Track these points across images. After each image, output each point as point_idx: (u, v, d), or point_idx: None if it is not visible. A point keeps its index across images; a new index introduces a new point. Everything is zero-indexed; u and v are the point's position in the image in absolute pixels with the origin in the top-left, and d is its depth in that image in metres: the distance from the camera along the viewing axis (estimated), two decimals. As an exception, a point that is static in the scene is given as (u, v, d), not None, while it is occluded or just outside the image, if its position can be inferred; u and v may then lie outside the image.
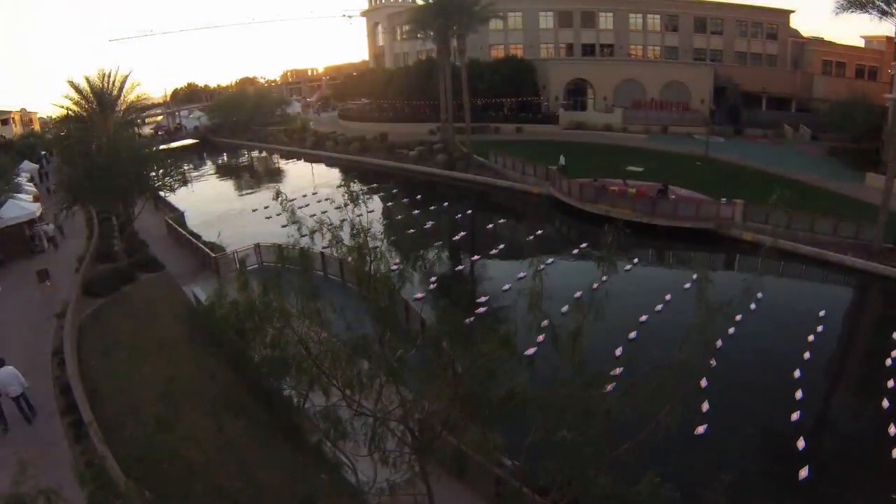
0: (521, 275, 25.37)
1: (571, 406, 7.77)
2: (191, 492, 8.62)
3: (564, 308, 21.17)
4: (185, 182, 34.71)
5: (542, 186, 39.82)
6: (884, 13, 26.26)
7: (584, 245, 29.25)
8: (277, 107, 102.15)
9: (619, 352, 18.05)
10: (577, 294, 22.50)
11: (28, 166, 48.31)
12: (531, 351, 15.70)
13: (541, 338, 17.26)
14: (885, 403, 16.02)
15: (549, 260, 27.32)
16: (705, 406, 15.52)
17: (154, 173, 30.93)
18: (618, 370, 13.17)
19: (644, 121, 55.18)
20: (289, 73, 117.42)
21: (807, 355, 18.36)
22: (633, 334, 19.57)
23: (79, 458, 13.60)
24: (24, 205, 34.01)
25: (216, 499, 8.69)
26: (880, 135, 39.44)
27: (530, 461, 9.34)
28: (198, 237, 30.84)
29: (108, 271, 26.79)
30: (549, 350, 8.52)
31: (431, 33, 50.13)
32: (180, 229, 33.54)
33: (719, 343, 18.35)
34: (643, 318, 20.83)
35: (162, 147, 44.10)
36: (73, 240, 34.08)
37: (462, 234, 32.40)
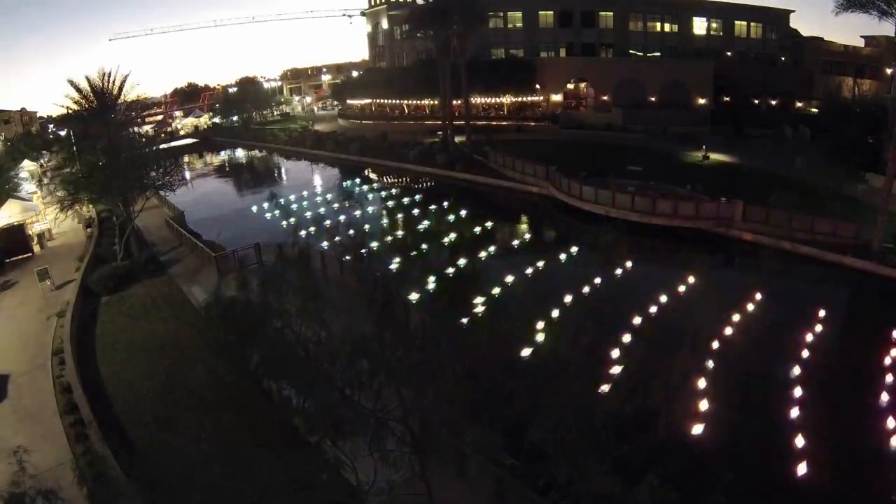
0: (522, 273, 25.38)
1: (572, 406, 7.79)
2: (190, 491, 8.63)
3: (565, 307, 21.27)
4: (184, 182, 34.71)
5: (541, 186, 39.83)
6: (884, 13, 26.24)
7: (583, 244, 29.26)
8: (278, 106, 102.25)
9: (618, 350, 18.06)
10: (577, 293, 22.62)
11: (28, 166, 48.36)
12: (531, 349, 15.74)
13: (540, 336, 17.28)
14: (884, 403, 16.05)
15: (549, 259, 27.32)
16: (704, 405, 15.54)
17: (154, 173, 30.93)
18: (617, 368, 13.21)
19: (644, 120, 55.11)
20: (289, 73, 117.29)
21: (805, 354, 18.37)
22: (632, 333, 19.56)
23: (79, 457, 13.62)
24: (25, 204, 34.05)
25: (216, 498, 8.70)
26: (880, 135, 39.39)
27: (530, 461, 9.36)
28: (198, 236, 30.84)
29: (109, 271, 26.83)
30: (549, 349, 8.53)
31: (431, 33, 50.12)
32: (180, 229, 33.55)
33: (720, 343, 18.37)
34: (643, 316, 20.80)
35: (162, 146, 44.13)
36: (73, 239, 34.09)
37: (462, 233, 32.39)
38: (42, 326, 22.66)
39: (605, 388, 8.67)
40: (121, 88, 32.57)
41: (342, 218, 36.85)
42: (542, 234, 33.92)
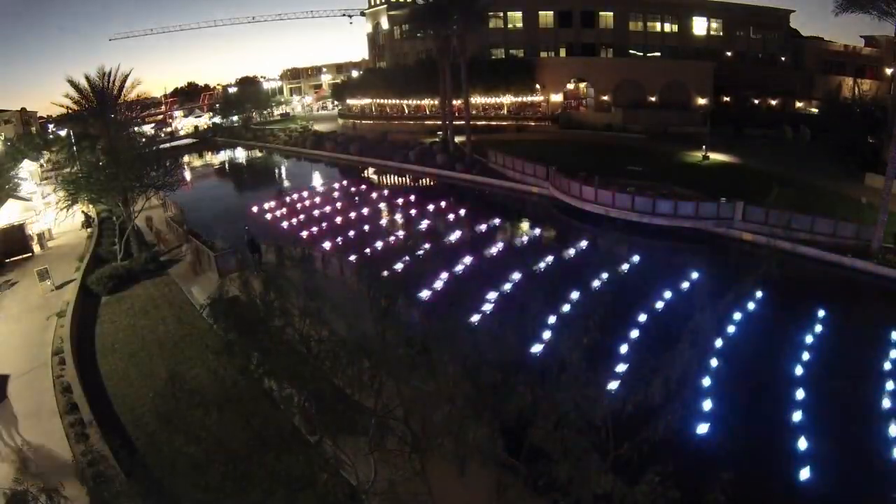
0: (522, 272, 25.39)
1: (573, 405, 7.79)
2: (190, 491, 8.64)
3: (566, 307, 21.27)
4: (184, 182, 34.69)
5: (541, 186, 39.85)
6: (884, 13, 26.23)
7: (583, 244, 29.28)
8: (278, 106, 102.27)
9: (618, 350, 18.08)
10: (578, 292, 22.63)
11: (28, 166, 48.34)
12: (534, 350, 15.75)
13: (541, 336, 17.26)
14: (886, 404, 16.05)
15: (549, 258, 27.34)
16: (706, 405, 15.55)
17: (154, 172, 30.93)
18: (617, 368, 13.22)
19: (644, 120, 55.15)
20: (288, 72, 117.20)
21: (806, 356, 18.38)
22: (633, 333, 19.59)
23: (79, 457, 13.63)
24: (25, 204, 34.06)
25: (216, 498, 8.71)
26: (880, 135, 39.42)
27: (530, 461, 9.34)
28: (198, 236, 30.82)
29: (108, 271, 26.83)
30: (550, 349, 8.53)
31: (431, 32, 50.15)
32: (181, 228, 33.53)
33: (719, 343, 18.37)
34: (643, 317, 20.84)
35: (162, 146, 44.11)
36: (73, 239, 34.08)
37: (462, 233, 32.42)
38: (42, 326, 22.67)
39: (606, 387, 8.67)
40: (121, 88, 32.59)
41: (342, 218, 36.90)
42: (542, 234, 33.93)
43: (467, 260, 27.46)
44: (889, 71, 55.54)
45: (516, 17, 66.99)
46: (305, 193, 43.53)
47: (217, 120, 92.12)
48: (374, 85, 72.85)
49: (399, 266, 25.29)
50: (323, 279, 24.36)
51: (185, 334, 21.44)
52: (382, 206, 40.49)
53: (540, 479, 9.82)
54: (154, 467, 12.67)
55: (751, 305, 21.19)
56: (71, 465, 11.89)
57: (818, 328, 20.10)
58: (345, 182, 49.01)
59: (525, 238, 34.00)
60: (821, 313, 20.94)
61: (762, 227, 28.99)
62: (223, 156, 77.93)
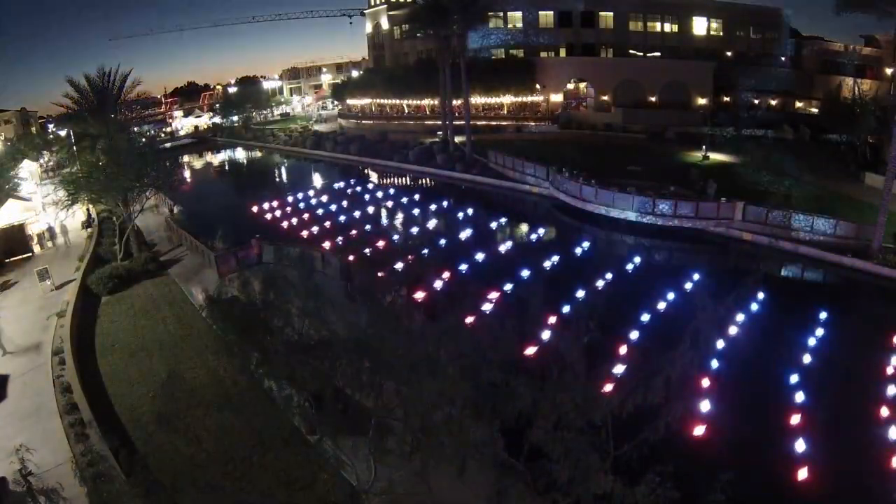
0: (522, 275, 25.38)
1: (572, 405, 7.79)
2: (190, 491, 8.65)
3: (566, 307, 21.26)
4: (183, 182, 34.67)
5: (541, 186, 39.84)
6: (884, 13, 26.16)
7: (583, 244, 29.27)
8: (278, 106, 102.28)
9: (620, 351, 18.08)
10: (578, 292, 22.62)
11: (29, 166, 48.30)
12: (534, 350, 15.76)
13: (541, 335, 17.26)
14: (886, 404, 16.03)
15: (550, 258, 27.32)
16: (706, 406, 15.54)
17: (154, 172, 30.92)
18: (619, 369, 13.21)
19: (644, 120, 55.12)
20: (288, 72, 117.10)
21: (807, 357, 18.36)
22: (634, 334, 19.58)
23: (79, 457, 13.63)
24: (25, 204, 34.04)
25: (216, 498, 8.71)
26: (880, 135, 39.38)
27: (530, 461, 9.35)
28: (197, 236, 30.83)
29: (108, 271, 26.83)
30: (551, 349, 8.53)
31: (431, 32, 50.12)
32: (180, 228, 33.53)
33: (720, 343, 18.36)
34: (643, 317, 20.84)
35: (162, 146, 44.05)
36: (73, 239, 34.05)
37: (462, 233, 32.41)
38: (42, 326, 22.67)
39: (606, 387, 8.67)
40: (121, 87, 32.59)
41: (342, 218, 36.88)
42: (542, 234, 33.93)
43: (467, 260, 27.44)
44: (889, 71, 55.54)
45: (516, 17, 66.91)
46: (305, 193, 43.52)
47: (217, 120, 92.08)
48: (374, 85, 72.79)
49: (399, 266, 25.29)
50: (322, 279, 24.36)
51: (185, 334, 21.44)
52: (382, 206, 40.49)
53: (540, 479, 9.83)
54: (154, 467, 12.68)
55: (751, 305, 21.18)
56: (71, 465, 11.87)
57: (818, 329, 20.08)
58: (344, 182, 49.00)
59: (525, 238, 33.98)
60: (821, 314, 20.93)
61: (762, 227, 28.99)
62: (223, 156, 77.91)
